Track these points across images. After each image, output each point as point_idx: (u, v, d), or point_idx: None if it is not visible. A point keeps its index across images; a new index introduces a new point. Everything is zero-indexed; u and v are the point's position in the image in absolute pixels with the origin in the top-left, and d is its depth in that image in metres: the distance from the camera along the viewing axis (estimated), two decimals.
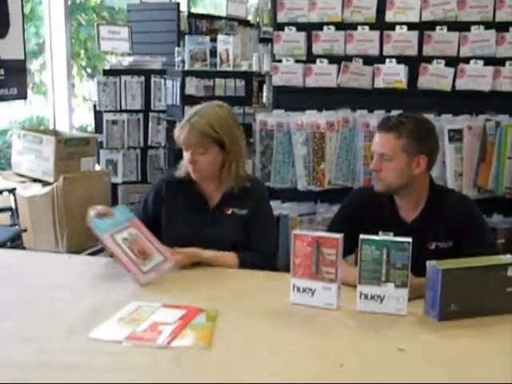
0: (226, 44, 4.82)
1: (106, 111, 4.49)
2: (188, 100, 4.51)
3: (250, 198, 2.18)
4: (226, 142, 2.10)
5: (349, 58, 3.24)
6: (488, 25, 3.07)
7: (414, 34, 3.15)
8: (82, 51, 7.47)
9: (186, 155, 2.13)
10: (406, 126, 1.98)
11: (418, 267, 1.68)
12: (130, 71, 4.54)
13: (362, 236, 1.67)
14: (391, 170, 1.99)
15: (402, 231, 1.77)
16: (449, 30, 3.12)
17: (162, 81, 4.67)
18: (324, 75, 3.27)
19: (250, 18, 7.11)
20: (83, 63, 7.61)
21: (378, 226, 1.83)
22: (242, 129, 2.21)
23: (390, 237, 1.68)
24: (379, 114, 3.22)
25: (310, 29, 3.27)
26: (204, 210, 2.19)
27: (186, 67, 4.83)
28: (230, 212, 2.17)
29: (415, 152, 1.98)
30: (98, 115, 4.57)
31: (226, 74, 4.81)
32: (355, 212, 2.14)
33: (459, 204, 2.06)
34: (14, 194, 3.53)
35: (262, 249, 2.14)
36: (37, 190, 3.58)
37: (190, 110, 2.17)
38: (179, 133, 2.11)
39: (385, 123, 2.02)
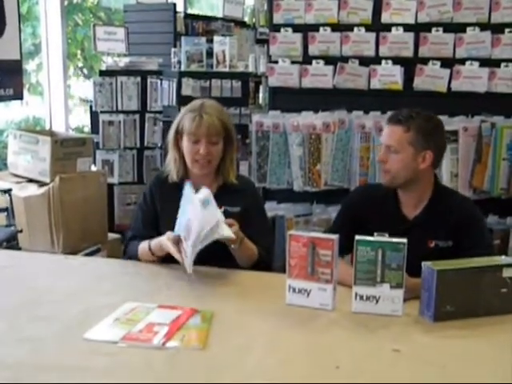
0: (223, 45, 4.82)
1: (102, 112, 4.47)
2: (184, 101, 4.46)
3: (241, 195, 2.18)
4: (232, 133, 2.14)
5: (345, 59, 3.24)
6: (483, 26, 3.09)
7: (410, 36, 3.16)
8: (79, 52, 7.45)
9: (194, 148, 2.08)
10: (415, 121, 2.00)
11: (416, 265, 1.67)
12: (127, 72, 4.53)
13: (357, 237, 1.68)
14: (397, 162, 2.01)
15: (403, 227, 1.77)
16: (444, 31, 3.13)
17: (159, 82, 4.66)
18: (320, 76, 3.27)
19: (246, 19, 7.10)
20: (80, 64, 7.58)
21: (380, 221, 1.84)
22: None
23: (385, 237, 1.68)
24: (375, 115, 3.23)
25: (306, 30, 3.28)
26: None
27: (183, 68, 4.83)
28: (221, 210, 2.17)
29: (422, 146, 1.99)
30: (94, 116, 4.56)
31: (222, 75, 4.81)
32: (356, 210, 2.15)
33: (461, 204, 2.07)
34: (10, 195, 3.51)
35: (263, 243, 2.14)
36: (33, 190, 3.56)
37: (190, 104, 2.15)
38: (194, 124, 2.06)
39: (395, 116, 2.05)
